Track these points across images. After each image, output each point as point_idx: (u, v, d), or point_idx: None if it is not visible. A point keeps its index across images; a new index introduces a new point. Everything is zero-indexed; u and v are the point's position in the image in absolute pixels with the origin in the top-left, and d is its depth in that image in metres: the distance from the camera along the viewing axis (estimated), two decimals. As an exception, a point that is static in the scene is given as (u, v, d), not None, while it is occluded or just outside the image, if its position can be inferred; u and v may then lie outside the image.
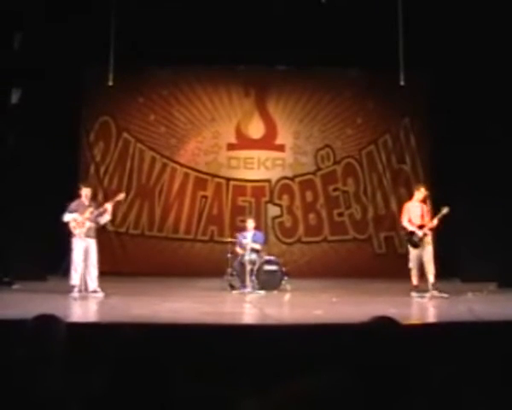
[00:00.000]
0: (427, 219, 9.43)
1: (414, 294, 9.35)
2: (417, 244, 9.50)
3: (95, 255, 9.24)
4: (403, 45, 9.66)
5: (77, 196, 9.47)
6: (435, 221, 9.38)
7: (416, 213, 9.59)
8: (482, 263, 10.64)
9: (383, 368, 2.22)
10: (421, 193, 9.64)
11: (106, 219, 9.48)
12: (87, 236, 9.16)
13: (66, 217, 9.17)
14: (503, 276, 10.33)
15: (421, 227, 9.45)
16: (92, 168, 13.21)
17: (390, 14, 9.47)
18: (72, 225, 9.15)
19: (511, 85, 10.41)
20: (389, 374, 2.20)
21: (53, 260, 10.62)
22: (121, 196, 9.86)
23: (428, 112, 13.12)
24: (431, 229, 9.45)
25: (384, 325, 2.41)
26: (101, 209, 9.35)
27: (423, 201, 9.61)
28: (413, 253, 9.59)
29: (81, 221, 9.14)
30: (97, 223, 9.39)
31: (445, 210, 9.32)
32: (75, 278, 9.03)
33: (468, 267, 11.15)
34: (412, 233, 9.57)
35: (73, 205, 9.28)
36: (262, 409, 1.46)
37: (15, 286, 9.84)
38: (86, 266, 9.11)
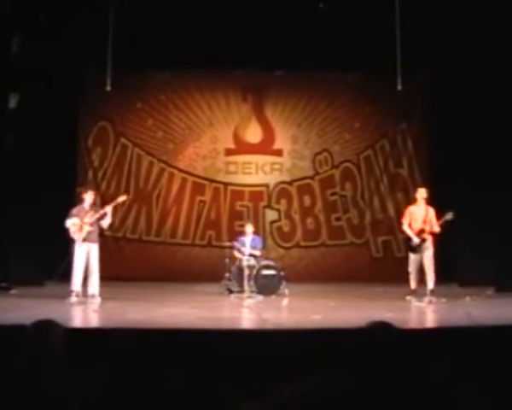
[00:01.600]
0: (432, 223, 9.41)
1: (411, 298, 9.34)
2: (415, 250, 9.51)
3: (96, 260, 9.20)
4: (400, 50, 9.68)
5: (79, 200, 9.47)
6: (437, 228, 9.37)
7: (418, 217, 9.56)
8: (480, 267, 10.63)
9: (381, 372, 2.22)
10: (420, 194, 9.64)
11: (107, 222, 9.45)
12: (88, 240, 9.13)
13: (68, 222, 9.17)
14: (500, 280, 10.33)
15: (421, 231, 9.44)
16: (90, 173, 13.20)
17: (388, 19, 9.50)
18: (72, 230, 9.15)
19: (509, 90, 10.43)
20: (387, 378, 2.20)
21: (50, 265, 10.61)
22: (122, 198, 9.85)
23: (426, 116, 13.14)
24: (433, 234, 9.45)
25: (381, 329, 2.41)
26: (101, 212, 9.33)
27: (427, 203, 9.60)
28: (412, 257, 9.60)
29: (80, 226, 9.12)
30: (101, 227, 9.38)
31: (448, 216, 9.30)
32: (76, 284, 9.01)
33: (466, 272, 11.15)
34: (410, 239, 9.58)
35: (74, 210, 9.29)
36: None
37: (13, 291, 9.83)
38: (87, 272, 9.08)
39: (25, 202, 10.68)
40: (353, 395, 1.70)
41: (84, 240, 9.11)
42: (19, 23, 10.47)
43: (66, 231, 9.20)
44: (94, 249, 9.21)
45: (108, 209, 9.36)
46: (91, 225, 9.16)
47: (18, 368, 2.71)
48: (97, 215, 9.25)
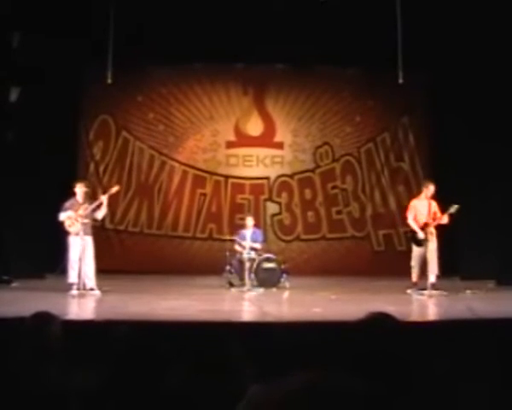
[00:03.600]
0: (438, 215, 9.40)
1: (412, 291, 9.35)
2: (420, 243, 9.49)
3: (91, 253, 9.21)
4: (402, 44, 9.67)
5: (72, 194, 9.44)
6: (445, 219, 9.34)
7: (422, 210, 9.55)
8: (481, 261, 10.63)
9: (381, 365, 2.21)
10: (429, 190, 9.62)
11: (103, 212, 9.45)
12: (83, 233, 9.12)
13: (61, 216, 9.17)
14: (502, 274, 10.34)
15: (426, 225, 9.43)
16: (92, 167, 13.21)
17: (389, 12, 9.47)
18: (67, 223, 9.15)
19: (510, 83, 10.40)
20: (387, 370, 2.20)
21: (51, 258, 10.63)
22: (116, 188, 9.85)
23: (427, 110, 13.11)
24: (438, 226, 9.42)
25: (381, 320, 2.40)
26: (96, 203, 9.33)
27: (431, 198, 9.59)
28: (416, 251, 9.57)
29: (75, 218, 9.12)
30: (95, 219, 9.38)
31: (452, 209, 9.26)
32: (73, 276, 9.02)
33: (467, 265, 11.15)
34: (415, 232, 9.55)
35: (68, 203, 9.26)
36: (267, 401, 1.46)
37: (14, 284, 9.85)
38: (83, 264, 9.08)
39: (26, 195, 10.68)
40: (353, 389, 1.69)
41: (79, 233, 9.10)
42: (19, 17, 10.44)
43: (62, 224, 9.21)
44: (89, 242, 9.21)
45: (104, 199, 9.37)
46: (86, 217, 9.16)
47: (16, 360, 2.71)
48: (92, 206, 9.26)
